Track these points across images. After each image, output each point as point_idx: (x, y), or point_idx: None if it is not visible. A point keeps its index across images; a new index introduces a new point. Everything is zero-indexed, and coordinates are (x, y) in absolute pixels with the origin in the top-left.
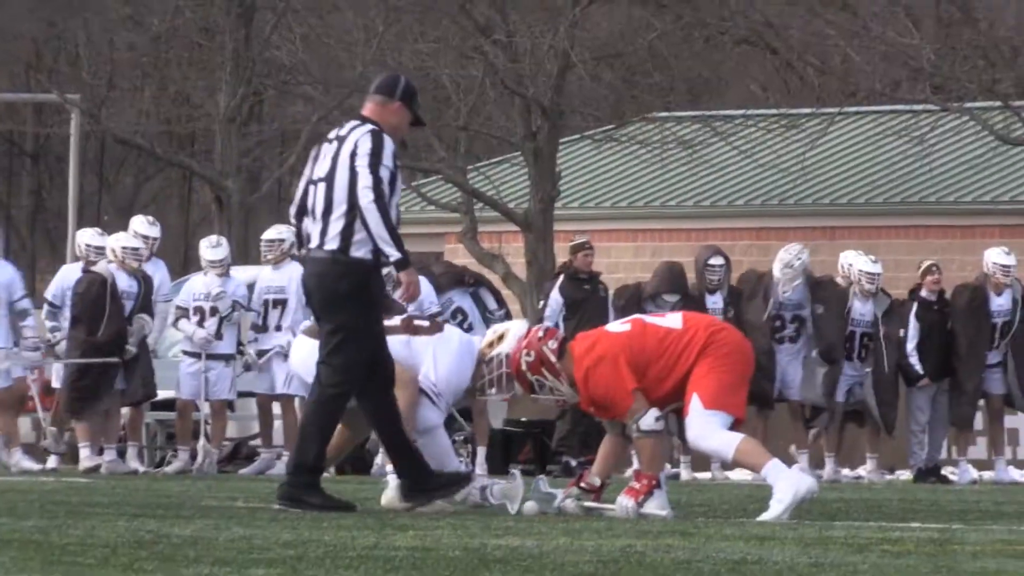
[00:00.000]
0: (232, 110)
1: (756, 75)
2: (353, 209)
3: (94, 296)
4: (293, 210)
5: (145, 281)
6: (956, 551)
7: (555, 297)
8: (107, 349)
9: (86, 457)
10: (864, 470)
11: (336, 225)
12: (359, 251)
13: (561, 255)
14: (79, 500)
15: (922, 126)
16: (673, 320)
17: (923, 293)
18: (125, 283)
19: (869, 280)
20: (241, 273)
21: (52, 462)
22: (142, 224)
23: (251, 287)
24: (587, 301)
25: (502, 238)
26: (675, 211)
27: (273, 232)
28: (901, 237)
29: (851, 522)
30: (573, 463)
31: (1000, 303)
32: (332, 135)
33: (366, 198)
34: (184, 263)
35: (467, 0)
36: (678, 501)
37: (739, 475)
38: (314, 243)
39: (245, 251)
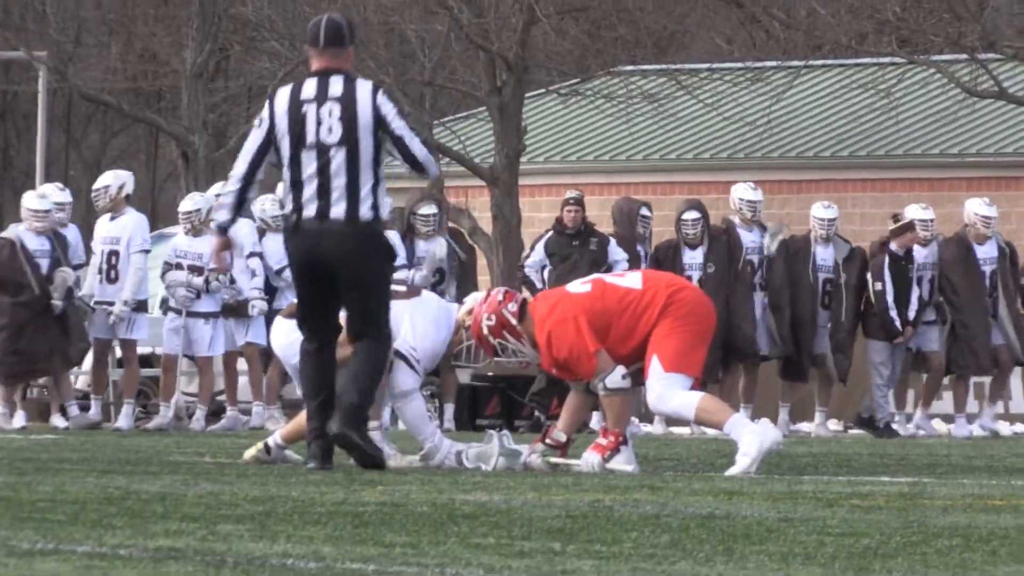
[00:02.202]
0: (198, 66)
1: (722, 28)
2: (378, 176)
3: (6, 260)
4: (243, 172)
5: (58, 238)
6: (926, 505)
7: (538, 250)
8: (35, 308)
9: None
10: (811, 425)
11: (367, 195)
12: (385, 214)
13: (527, 209)
14: (48, 457)
15: (888, 79)
16: (633, 280)
17: (892, 247)
18: (35, 243)
19: (821, 225)
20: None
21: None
22: (53, 191)
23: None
24: (573, 256)
25: (468, 193)
26: (641, 164)
27: (190, 203)
28: (868, 190)
29: (820, 476)
30: (543, 418)
31: (985, 251)
32: (311, 94)
33: (422, 152)
34: (152, 219)
35: None
36: (646, 456)
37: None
38: (339, 214)
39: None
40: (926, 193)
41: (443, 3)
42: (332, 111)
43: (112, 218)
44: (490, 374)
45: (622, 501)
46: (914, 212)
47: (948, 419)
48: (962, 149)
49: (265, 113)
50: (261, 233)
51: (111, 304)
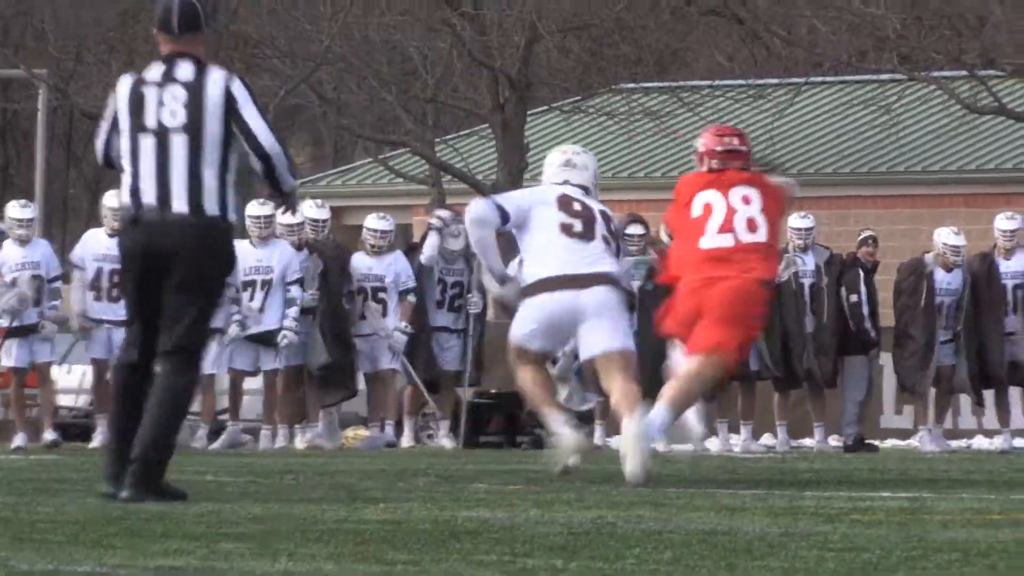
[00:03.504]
0: None
1: (723, 46)
2: (226, 168)
3: None
4: (101, 153)
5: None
6: (926, 520)
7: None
8: None
9: None
10: (813, 440)
11: (213, 188)
12: (231, 215)
13: None
14: (48, 477)
15: (889, 95)
16: None
17: (862, 258)
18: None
19: (799, 235)
20: None
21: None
22: (14, 208)
23: None
24: None
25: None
26: (643, 182)
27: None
28: (869, 206)
29: (821, 492)
30: (543, 435)
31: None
32: (157, 76)
33: (276, 148)
34: None
35: None
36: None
37: (714, 446)
38: (180, 205)
39: None
40: (928, 209)
41: (446, 21)
42: (176, 95)
43: (112, 236)
44: (493, 391)
45: (625, 517)
46: (945, 237)
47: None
48: (961, 165)
49: (110, 99)
50: None
51: (111, 322)
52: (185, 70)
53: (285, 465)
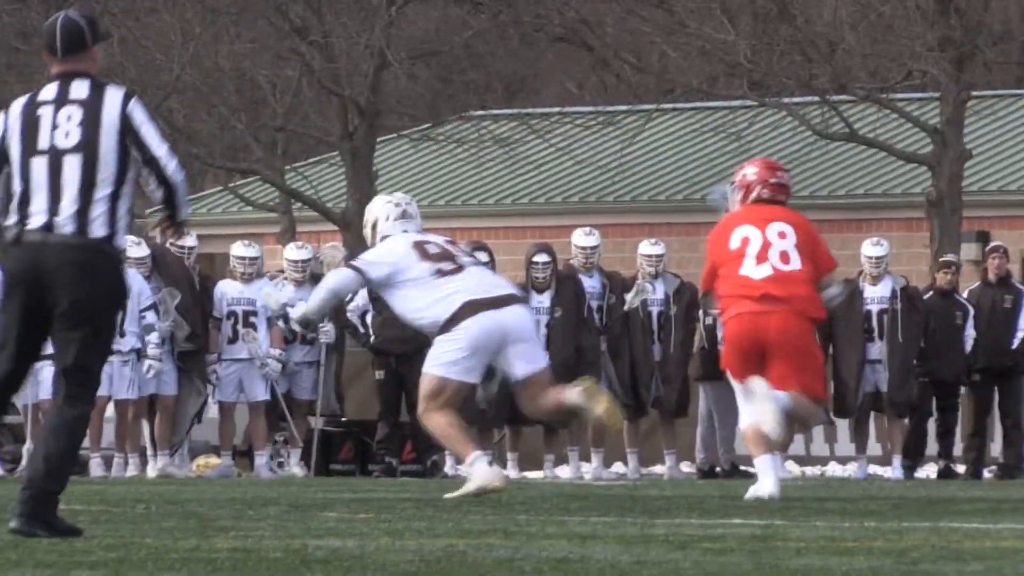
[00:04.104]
0: None
1: (573, 73)
2: (119, 191)
3: None
4: None
5: None
6: (779, 547)
7: (361, 295)
8: None
9: None
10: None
11: (99, 208)
12: (120, 240)
13: None
14: None
15: (739, 122)
16: None
17: None
18: None
19: (649, 262)
20: None
21: None
22: None
23: None
24: None
25: (320, 237)
26: (493, 209)
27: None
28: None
29: (672, 519)
30: (395, 463)
31: (876, 292)
32: (51, 96)
33: (179, 175)
34: None
35: (283, 1)
36: (499, 500)
37: (565, 473)
38: (66, 227)
39: None
40: None
41: (294, 49)
42: (71, 115)
43: None
44: (343, 419)
45: (475, 545)
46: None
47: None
48: (813, 191)
49: None
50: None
51: None
52: (80, 89)
53: (136, 494)
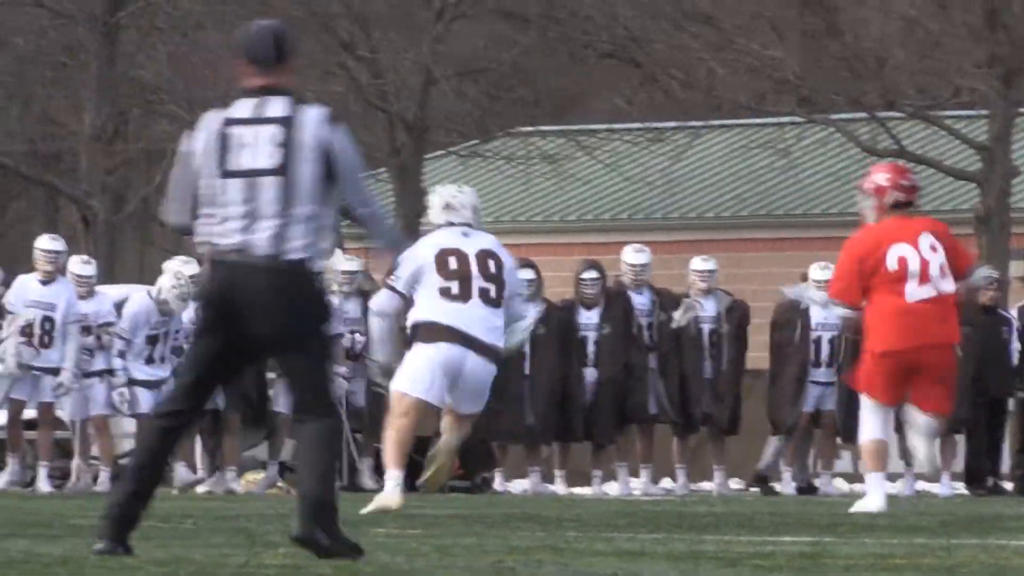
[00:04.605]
0: (97, 129)
1: (621, 89)
2: (319, 211)
3: None
4: (177, 208)
5: None
6: (828, 564)
7: None
8: None
9: None
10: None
11: (301, 231)
12: (319, 262)
13: None
14: None
15: (787, 138)
16: None
17: None
18: None
19: (701, 278)
20: (113, 292)
21: None
22: None
23: (119, 306)
24: None
25: (367, 254)
26: (541, 225)
27: (84, 267)
28: (767, 250)
29: (722, 536)
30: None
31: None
32: (247, 113)
33: (369, 207)
34: None
35: (330, 17)
36: (548, 516)
37: (613, 489)
38: (263, 248)
39: (111, 270)
40: (825, 252)
41: (341, 64)
42: (267, 134)
43: (44, 283)
44: None
45: (524, 561)
46: (813, 272)
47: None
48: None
49: (190, 138)
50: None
51: (39, 369)
52: (276, 106)
53: (185, 509)
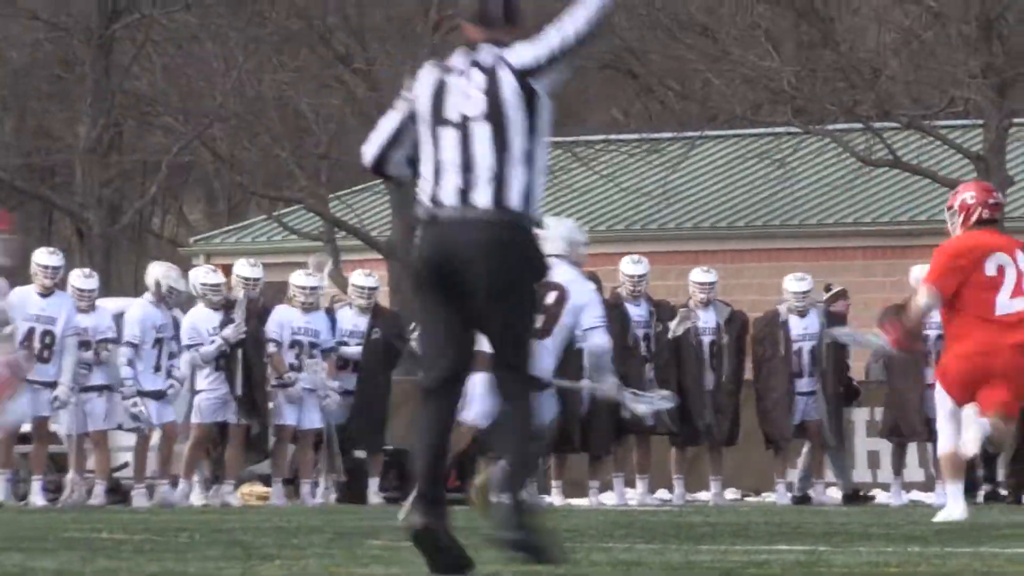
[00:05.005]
0: (92, 141)
1: (617, 100)
2: (531, 157)
3: None
4: (376, 153)
5: None
6: (823, 573)
7: None
8: None
9: None
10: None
11: (516, 181)
12: (536, 211)
13: None
14: None
15: (784, 149)
16: None
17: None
18: None
19: (701, 289)
20: (110, 304)
21: None
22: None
23: (117, 319)
24: None
25: (364, 267)
26: None
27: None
28: (764, 260)
29: (717, 546)
30: None
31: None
32: (458, 64)
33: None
34: None
35: (326, 30)
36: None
37: (610, 500)
38: (484, 200)
39: (107, 283)
40: (822, 262)
41: (338, 77)
42: (477, 81)
43: (44, 296)
44: (388, 447)
45: (521, 572)
46: (788, 284)
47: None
48: (857, 218)
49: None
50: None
51: (37, 383)
52: (486, 54)
53: (180, 522)
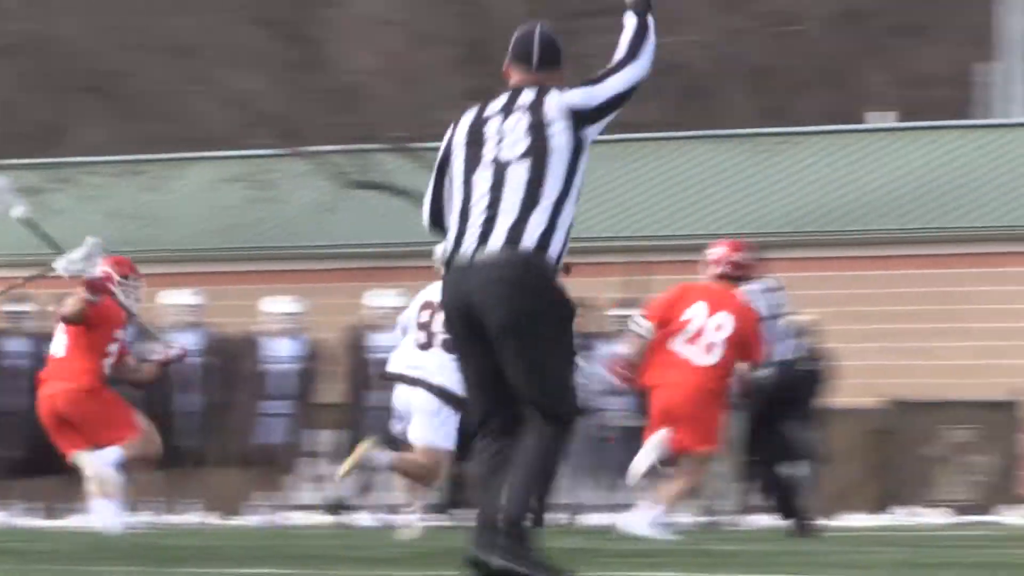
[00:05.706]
0: None
1: (99, 122)
2: (564, 198)
3: None
4: (429, 211)
5: None
6: None
7: None
8: None
9: None
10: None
11: (541, 221)
12: (554, 251)
13: None
14: None
15: (275, 171)
16: None
17: None
18: None
19: (186, 312)
20: None
21: None
22: None
23: None
24: None
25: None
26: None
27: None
28: (256, 282)
29: None
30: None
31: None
32: (497, 107)
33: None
34: None
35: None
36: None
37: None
38: (498, 239)
39: None
40: (314, 285)
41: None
42: (518, 122)
43: None
44: None
45: None
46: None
47: None
48: (346, 240)
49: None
50: None
51: None
52: (527, 95)
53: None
